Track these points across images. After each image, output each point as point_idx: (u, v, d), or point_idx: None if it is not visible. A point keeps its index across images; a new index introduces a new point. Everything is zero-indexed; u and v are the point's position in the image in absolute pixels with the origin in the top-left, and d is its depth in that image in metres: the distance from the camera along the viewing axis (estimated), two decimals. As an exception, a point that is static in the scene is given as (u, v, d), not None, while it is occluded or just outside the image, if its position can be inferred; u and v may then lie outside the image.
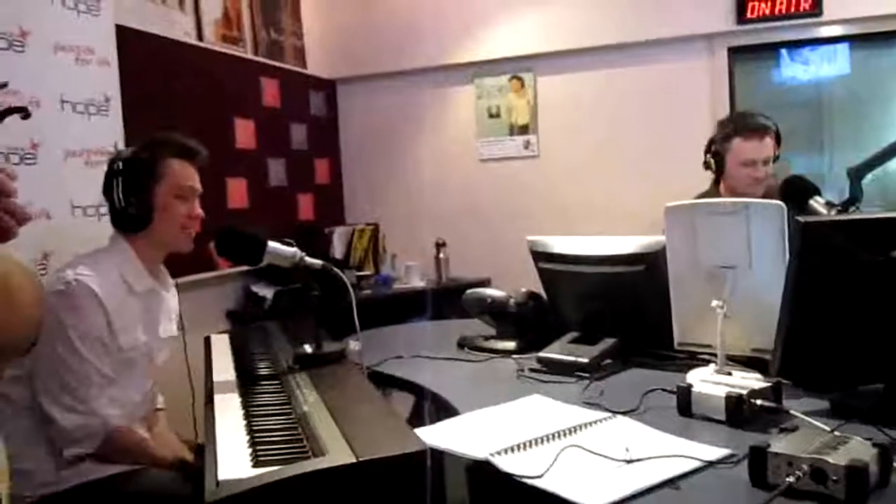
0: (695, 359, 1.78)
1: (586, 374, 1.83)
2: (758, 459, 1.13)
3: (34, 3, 2.41)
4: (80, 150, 2.53)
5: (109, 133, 2.66)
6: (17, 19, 2.32)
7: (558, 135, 4.27)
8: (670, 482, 1.16)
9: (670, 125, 3.95)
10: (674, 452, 1.25)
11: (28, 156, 2.35)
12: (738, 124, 2.53)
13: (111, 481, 1.76)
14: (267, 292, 3.72)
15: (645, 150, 4.03)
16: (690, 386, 1.50)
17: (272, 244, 1.94)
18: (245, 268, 3.59)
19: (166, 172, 1.87)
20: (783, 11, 3.72)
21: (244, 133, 3.71)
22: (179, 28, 3.31)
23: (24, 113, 1.31)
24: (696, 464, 1.22)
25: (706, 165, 2.58)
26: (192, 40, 3.41)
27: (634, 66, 4.06)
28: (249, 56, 3.87)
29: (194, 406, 1.96)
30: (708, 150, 2.58)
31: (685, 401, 1.49)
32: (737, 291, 1.57)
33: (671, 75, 4.00)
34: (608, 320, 1.99)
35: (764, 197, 2.37)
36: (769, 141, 2.48)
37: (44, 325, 1.67)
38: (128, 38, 2.85)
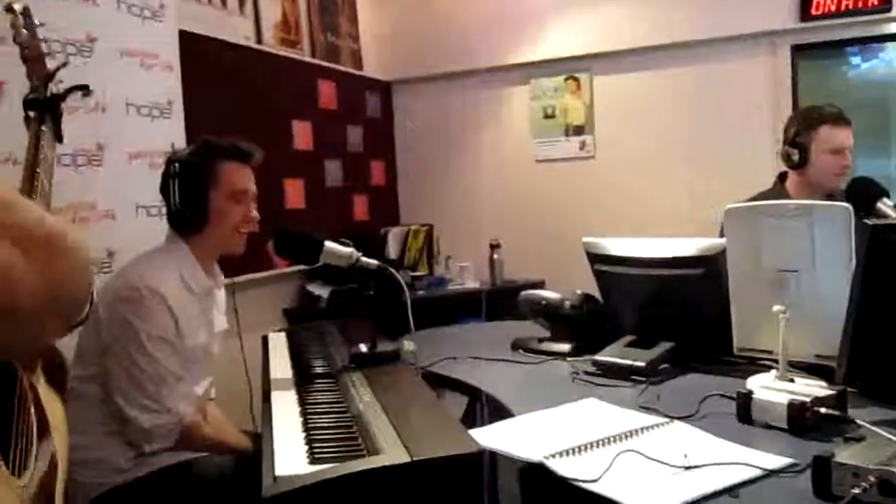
0: (755, 364, 1.74)
1: (642, 379, 1.81)
2: (822, 469, 1.09)
3: (101, 10, 2.49)
4: (143, 151, 2.60)
5: (172, 135, 2.74)
6: (86, 26, 2.41)
7: (614, 135, 4.22)
8: (729, 490, 1.14)
9: (730, 126, 3.87)
10: (733, 460, 1.22)
11: (94, 158, 2.43)
12: (822, 112, 2.46)
13: (180, 468, 1.83)
14: (322, 292, 3.77)
15: (703, 151, 3.96)
16: (751, 392, 1.46)
17: (329, 244, 1.96)
18: (301, 267, 3.65)
19: (222, 176, 1.90)
20: (850, 7, 3.61)
21: (301, 134, 3.76)
22: (240, 32, 3.38)
23: (86, 91, 1.37)
24: (757, 472, 1.18)
25: (785, 157, 2.51)
26: (252, 44, 3.48)
27: (693, 65, 3.99)
28: (307, 59, 3.93)
29: (252, 400, 1.99)
30: (788, 141, 2.51)
31: (745, 407, 1.46)
32: (800, 296, 1.53)
33: (732, 75, 3.91)
34: (665, 324, 1.96)
35: (828, 199, 2.30)
36: (850, 131, 2.43)
37: (113, 327, 1.75)
38: (190, 43, 2.93)
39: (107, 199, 2.46)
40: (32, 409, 1.03)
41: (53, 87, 1.35)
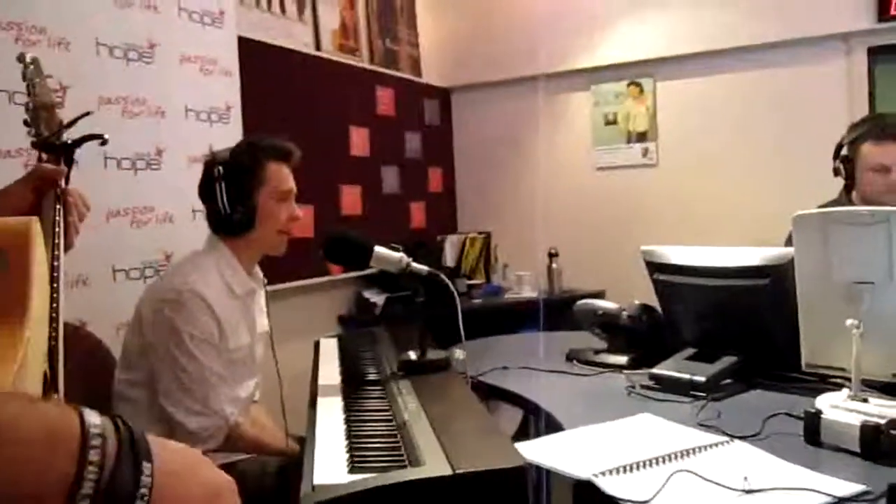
0: (825, 382, 1.64)
1: (702, 394, 1.72)
2: (898, 498, 1.00)
3: (162, 17, 2.53)
4: (201, 156, 2.62)
5: (229, 140, 2.73)
6: (147, 33, 2.45)
7: (678, 142, 4.10)
8: (794, 518, 1.06)
9: (801, 132, 3.71)
10: (799, 485, 1.13)
11: (153, 161, 2.47)
12: (870, 127, 2.33)
13: (227, 468, 1.80)
14: (378, 298, 3.76)
15: (771, 159, 3.81)
16: (820, 412, 1.37)
17: (379, 249, 1.94)
18: (357, 273, 3.65)
19: (268, 176, 1.89)
20: (932, 7, 3.42)
21: (359, 141, 3.77)
22: (298, 39, 3.41)
23: (102, 140, 1.38)
24: (825, 499, 1.09)
25: (836, 172, 2.39)
26: (311, 50, 3.50)
27: (762, 69, 3.84)
28: (365, 65, 3.94)
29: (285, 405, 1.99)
30: (836, 156, 2.39)
31: (813, 428, 1.36)
32: (874, 309, 1.42)
33: (803, 78, 3.75)
34: (728, 337, 1.86)
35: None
36: None
37: (157, 329, 1.76)
38: (249, 49, 2.96)
39: (164, 203, 2.50)
40: None
41: (67, 136, 1.36)
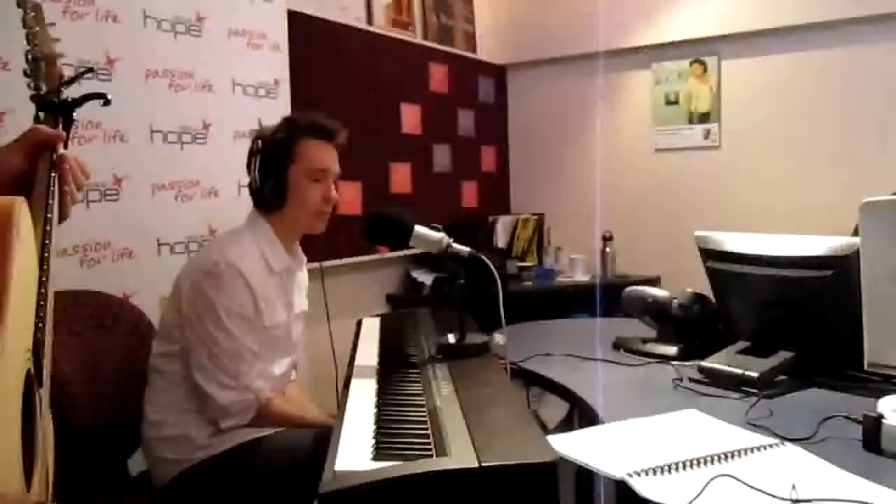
0: (889, 383, 1.53)
1: (754, 391, 1.62)
2: (965, 518, 0.90)
3: (211, -10, 2.51)
4: (248, 131, 2.61)
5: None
6: (195, 6, 2.44)
7: (743, 124, 3.93)
8: (846, 533, 0.97)
9: (874, 115, 3.51)
10: (853, 497, 1.04)
11: (199, 136, 2.46)
12: None
13: (259, 443, 1.82)
14: (426, 278, 3.73)
15: (842, 142, 3.62)
16: (881, 416, 1.27)
17: (419, 228, 1.88)
18: (405, 252, 3.62)
19: (301, 154, 1.85)
20: None
21: (410, 118, 3.72)
22: (350, 13, 3.37)
23: (105, 100, 1.31)
24: (883, 513, 1.00)
25: None
26: (362, 25, 3.45)
27: (835, 47, 3.63)
28: (419, 41, 3.88)
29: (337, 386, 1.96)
30: None
31: (873, 433, 1.26)
32: (948, 307, 1.31)
33: (879, 57, 3.53)
34: (785, 331, 1.76)
35: None
36: None
37: (193, 301, 1.75)
38: (299, 23, 2.93)
39: (210, 177, 2.50)
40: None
41: (68, 94, 1.27)
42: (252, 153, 1.86)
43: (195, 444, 1.78)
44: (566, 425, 3.27)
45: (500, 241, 4.14)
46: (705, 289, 2.02)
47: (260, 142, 1.86)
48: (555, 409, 3.37)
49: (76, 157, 1.21)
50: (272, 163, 1.83)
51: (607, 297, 3.67)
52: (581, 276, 4.01)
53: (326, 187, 1.89)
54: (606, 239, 4.02)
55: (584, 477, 2.43)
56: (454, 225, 1.96)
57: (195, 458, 1.78)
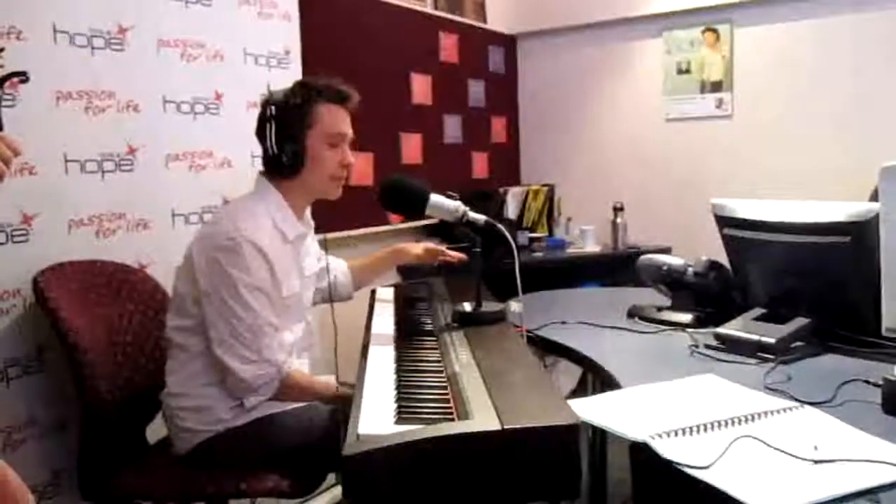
0: (907, 348, 1.53)
1: (771, 357, 1.63)
2: None
3: (221, -43, 2.49)
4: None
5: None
6: (205, -27, 2.41)
7: (756, 93, 3.88)
8: (868, 493, 0.97)
9: (888, 79, 3.46)
10: (875, 457, 1.05)
11: (212, 106, 2.45)
12: None
13: (279, 416, 1.84)
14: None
15: (857, 111, 3.57)
16: (901, 379, 1.27)
17: (435, 197, 1.89)
18: (417, 223, 3.62)
19: (318, 119, 1.83)
20: None
21: (421, 88, 3.69)
22: (361, -18, 3.33)
23: (24, 77, 1.29)
24: (904, 474, 1.01)
25: None
26: (374, -6, 3.42)
27: (851, 13, 3.57)
28: (429, 10, 3.83)
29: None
30: None
31: (893, 396, 1.27)
32: (969, 271, 1.30)
33: (892, 22, 3.47)
34: (802, 298, 1.76)
35: None
36: None
37: (211, 276, 1.75)
38: (311, -8, 2.90)
39: (223, 148, 2.48)
40: None
41: None
42: (266, 119, 1.82)
43: (215, 417, 1.79)
44: (579, 392, 3.29)
45: (511, 211, 4.13)
46: (720, 259, 2.02)
47: (273, 107, 1.82)
48: (567, 376, 3.39)
49: (6, 136, 1.19)
50: (288, 128, 1.80)
51: (618, 267, 3.68)
52: (592, 247, 4.00)
53: (343, 152, 1.88)
54: (617, 209, 4.00)
55: (598, 446, 2.46)
56: (465, 196, 1.95)
57: (217, 429, 1.80)
